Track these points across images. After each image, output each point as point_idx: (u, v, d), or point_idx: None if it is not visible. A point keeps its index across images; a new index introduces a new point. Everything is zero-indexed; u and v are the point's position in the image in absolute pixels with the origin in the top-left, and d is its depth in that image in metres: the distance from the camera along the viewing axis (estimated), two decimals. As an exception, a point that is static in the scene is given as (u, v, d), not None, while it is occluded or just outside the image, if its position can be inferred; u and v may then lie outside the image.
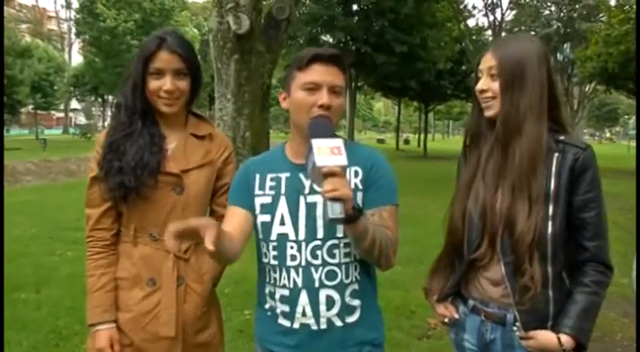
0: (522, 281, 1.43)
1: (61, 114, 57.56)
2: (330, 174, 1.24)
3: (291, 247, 1.48)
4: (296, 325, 1.50)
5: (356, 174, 1.51)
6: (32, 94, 32.22)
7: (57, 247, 6.25)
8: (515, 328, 1.49)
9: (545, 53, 1.53)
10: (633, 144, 45.70)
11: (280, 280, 1.50)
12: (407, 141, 45.28)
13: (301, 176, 1.50)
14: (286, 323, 1.52)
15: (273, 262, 1.51)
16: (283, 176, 1.53)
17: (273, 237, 1.50)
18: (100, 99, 44.94)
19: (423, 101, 30.58)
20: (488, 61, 1.51)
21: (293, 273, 1.48)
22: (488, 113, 1.53)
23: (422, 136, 33.71)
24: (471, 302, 1.61)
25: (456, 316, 1.64)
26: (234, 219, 1.53)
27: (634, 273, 1.65)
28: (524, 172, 1.45)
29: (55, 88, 37.70)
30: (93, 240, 1.66)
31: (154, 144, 1.64)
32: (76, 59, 51.04)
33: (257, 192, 1.54)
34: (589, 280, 1.46)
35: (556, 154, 1.47)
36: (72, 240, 6.26)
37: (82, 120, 58.84)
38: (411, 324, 3.96)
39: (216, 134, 1.78)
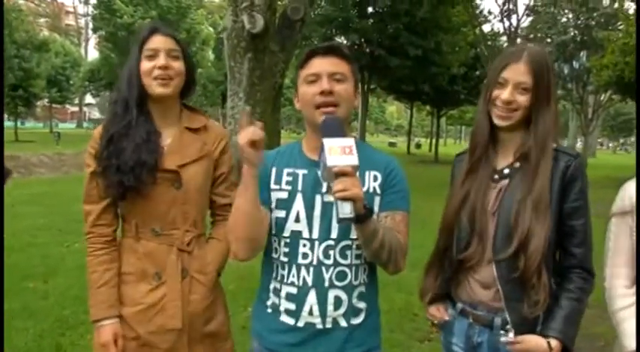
0: (532, 296, 1.44)
1: (76, 109, 58.12)
2: (341, 174, 1.24)
3: (304, 245, 1.48)
4: (300, 323, 1.50)
5: (375, 178, 1.51)
6: (48, 88, 32.48)
7: (66, 239, 6.34)
8: (502, 332, 1.50)
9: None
10: (648, 154, 45.03)
11: (289, 277, 1.50)
12: (418, 146, 45.06)
13: (319, 173, 1.49)
14: (290, 320, 1.51)
15: (284, 259, 1.51)
16: (300, 173, 1.53)
17: (287, 233, 1.50)
18: (114, 95, 45.02)
19: (436, 105, 30.39)
20: (521, 74, 1.48)
21: (303, 271, 1.48)
22: (503, 122, 1.52)
23: (433, 141, 33.55)
24: (459, 305, 1.62)
25: (447, 317, 1.65)
26: None
27: (605, 283, 1.64)
28: (544, 189, 1.45)
29: (71, 82, 37.98)
30: (94, 236, 1.67)
31: (150, 141, 1.63)
32: (92, 54, 51.47)
33: (273, 186, 1.54)
34: (574, 286, 1.48)
35: None
36: (81, 232, 6.29)
37: (96, 114, 59.30)
38: (413, 327, 3.97)
39: (211, 125, 1.79)
